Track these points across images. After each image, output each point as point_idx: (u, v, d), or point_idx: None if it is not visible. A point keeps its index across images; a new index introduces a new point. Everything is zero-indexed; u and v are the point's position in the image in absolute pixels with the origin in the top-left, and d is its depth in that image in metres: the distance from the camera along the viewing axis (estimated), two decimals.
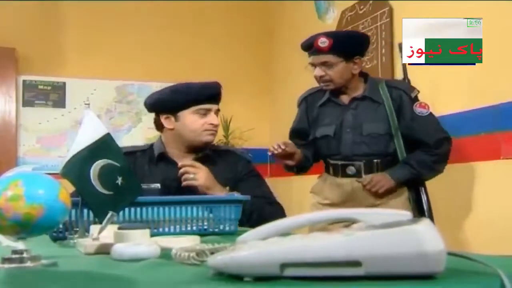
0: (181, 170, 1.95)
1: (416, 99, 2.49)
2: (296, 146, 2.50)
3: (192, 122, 2.02)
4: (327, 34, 2.48)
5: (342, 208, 2.40)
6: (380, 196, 2.44)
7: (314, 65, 2.49)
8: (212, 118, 2.03)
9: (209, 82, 2.09)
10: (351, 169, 2.49)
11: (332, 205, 2.53)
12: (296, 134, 2.69)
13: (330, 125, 2.53)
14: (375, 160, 2.47)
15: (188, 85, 2.08)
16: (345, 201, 2.49)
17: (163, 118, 2.06)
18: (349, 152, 2.49)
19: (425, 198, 2.51)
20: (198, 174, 1.93)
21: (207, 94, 2.04)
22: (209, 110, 2.04)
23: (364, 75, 2.58)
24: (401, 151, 2.47)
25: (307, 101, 2.66)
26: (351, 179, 2.49)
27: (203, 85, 2.07)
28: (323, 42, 2.42)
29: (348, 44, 2.49)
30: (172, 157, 2.06)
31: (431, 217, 2.47)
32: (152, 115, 2.15)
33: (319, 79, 2.49)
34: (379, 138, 2.46)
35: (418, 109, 2.43)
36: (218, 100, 2.08)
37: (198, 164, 1.97)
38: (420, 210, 2.47)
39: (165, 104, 2.05)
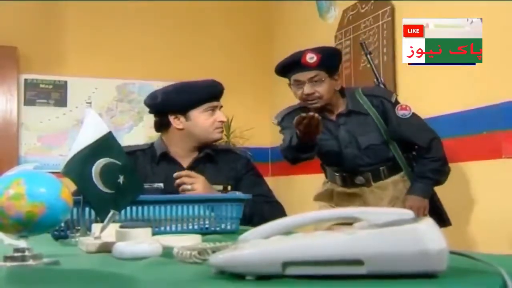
0: (178, 181, 1.92)
1: (397, 102, 2.48)
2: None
3: (204, 120, 2.04)
4: (314, 50, 2.42)
5: None
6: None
7: (300, 82, 2.42)
8: (219, 115, 2.07)
9: (209, 80, 2.12)
10: (359, 179, 2.50)
11: None
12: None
13: (328, 140, 2.49)
14: (381, 168, 2.49)
15: (192, 84, 2.09)
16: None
17: (172, 118, 2.05)
18: (353, 165, 2.49)
19: (437, 200, 2.52)
20: (195, 184, 1.91)
21: (213, 92, 2.07)
22: (215, 107, 2.07)
23: (339, 89, 2.52)
24: (399, 155, 2.49)
25: (292, 118, 2.36)
26: (361, 188, 2.51)
27: (207, 83, 2.10)
28: (311, 58, 2.37)
29: (333, 59, 2.47)
30: (174, 157, 2.06)
31: (446, 216, 2.49)
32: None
33: (307, 97, 2.42)
34: (377, 148, 2.47)
35: (400, 112, 2.42)
36: (221, 96, 2.12)
37: (193, 174, 1.95)
38: (434, 211, 2.47)
39: (174, 104, 2.04)
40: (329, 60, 2.43)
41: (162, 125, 2.09)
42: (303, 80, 2.41)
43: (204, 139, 2.06)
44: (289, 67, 2.45)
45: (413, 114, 2.44)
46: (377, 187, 2.50)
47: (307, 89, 2.40)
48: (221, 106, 2.11)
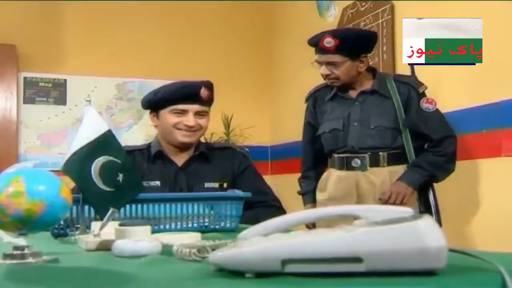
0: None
1: (423, 94, 2.49)
2: (310, 144, 2.73)
3: (168, 121, 2.03)
4: (333, 34, 2.46)
5: (346, 202, 2.41)
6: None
7: (320, 63, 2.49)
8: (187, 119, 2.00)
9: (192, 82, 2.06)
10: (356, 162, 2.48)
11: (335, 199, 2.51)
12: (310, 126, 2.73)
13: (337, 119, 2.54)
14: (381, 153, 2.46)
15: (171, 84, 2.10)
16: (348, 195, 2.48)
17: (150, 116, 2.13)
18: (355, 144, 2.48)
19: (433, 199, 2.50)
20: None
21: (183, 94, 2.01)
22: (185, 111, 2.01)
23: (372, 70, 2.59)
24: (408, 146, 2.46)
25: (315, 97, 2.70)
26: (355, 172, 2.48)
27: (184, 84, 2.07)
28: (329, 42, 2.42)
29: (354, 44, 2.48)
30: (168, 155, 2.07)
31: (438, 217, 2.47)
32: None
33: (325, 77, 2.51)
34: (386, 131, 2.46)
35: (425, 105, 2.43)
36: (201, 100, 2.01)
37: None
38: (427, 210, 2.46)
39: (148, 103, 2.11)
40: (349, 44, 2.45)
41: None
42: (321, 61, 2.49)
43: (169, 140, 2.05)
44: (313, 46, 2.54)
45: (437, 109, 2.45)
46: (371, 173, 2.47)
47: (322, 70, 2.50)
48: (199, 112, 2.02)
